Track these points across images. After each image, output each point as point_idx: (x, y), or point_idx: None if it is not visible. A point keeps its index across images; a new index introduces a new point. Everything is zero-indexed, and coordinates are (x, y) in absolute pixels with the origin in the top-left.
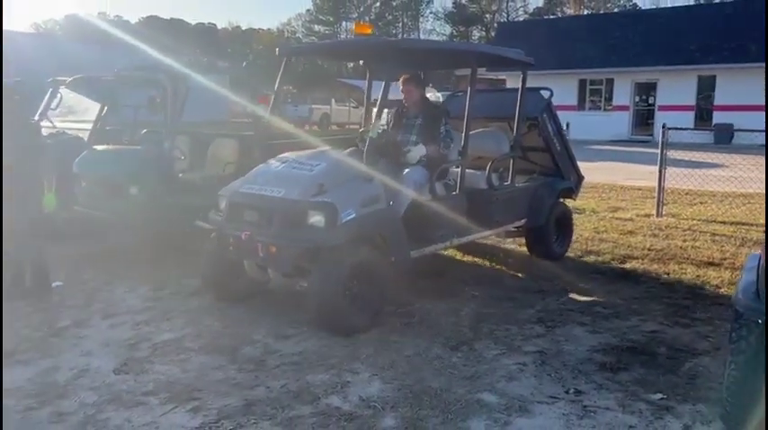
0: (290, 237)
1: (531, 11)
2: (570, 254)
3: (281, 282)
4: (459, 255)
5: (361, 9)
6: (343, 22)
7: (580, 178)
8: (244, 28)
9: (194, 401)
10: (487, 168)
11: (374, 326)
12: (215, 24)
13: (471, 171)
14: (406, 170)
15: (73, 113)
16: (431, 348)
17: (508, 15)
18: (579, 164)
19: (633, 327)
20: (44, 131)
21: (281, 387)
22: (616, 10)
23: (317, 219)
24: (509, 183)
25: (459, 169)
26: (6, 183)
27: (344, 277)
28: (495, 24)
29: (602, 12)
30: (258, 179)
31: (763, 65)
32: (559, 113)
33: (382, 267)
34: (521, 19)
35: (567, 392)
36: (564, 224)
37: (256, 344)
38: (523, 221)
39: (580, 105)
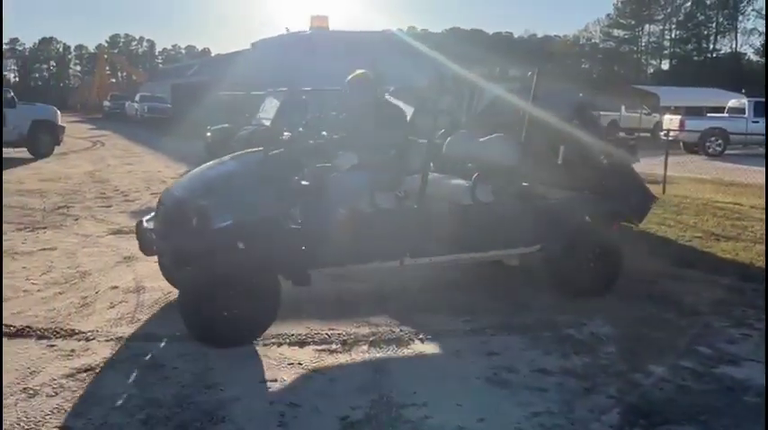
0: (167, 240)
1: None
2: None
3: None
4: (715, 249)
5: (669, 10)
6: (646, 25)
7: (647, 199)
8: (539, 35)
9: (468, 315)
10: (473, 180)
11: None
12: (511, 33)
13: (456, 182)
14: (335, 175)
15: None
16: (661, 313)
17: None
18: None
19: None
20: None
21: (533, 319)
22: None
23: (191, 222)
24: (513, 198)
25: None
26: None
27: (210, 287)
28: None
29: None
30: (184, 177)
31: None
32: None
33: (269, 282)
34: None
35: None
36: (604, 256)
37: (515, 293)
38: (537, 248)
39: None
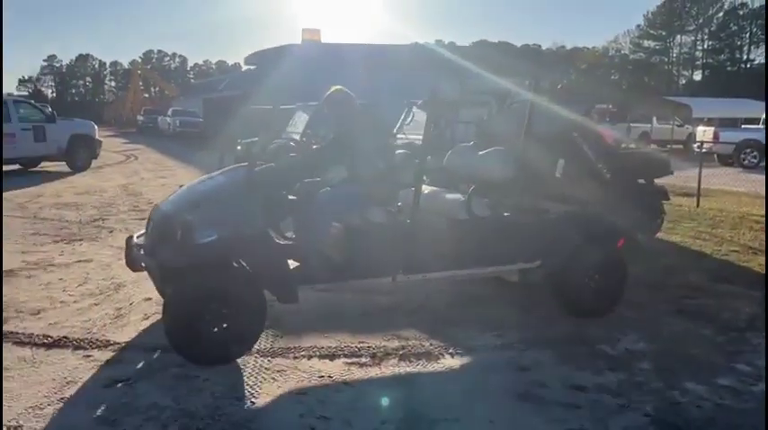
0: (153, 256)
1: None
2: None
3: None
4: (753, 263)
5: (701, 20)
6: (678, 36)
7: (655, 215)
8: (568, 47)
9: (497, 331)
10: (468, 194)
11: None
12: (539, 45)
13: (452, 196)
14: (325, 189)
15: (420, 128)
16: (698, 329)
17: None
18: None
19: None
20: (398, 142)
21: (564, 334)
22: None
23: (176, 236)
24: (511, 212)
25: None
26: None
27: (195, 303)
28: None
29: None
30: (176, 193)
31: None
32: None
33: (254, 298)
34: None
35: None
36: (607, 273)
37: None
38: (537, 263)
39: None
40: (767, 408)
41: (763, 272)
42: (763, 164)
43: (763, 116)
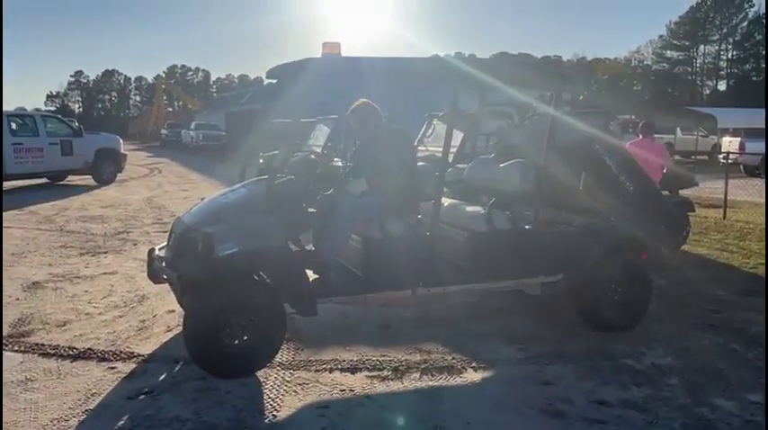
0: (174, 268)
1: None
2: None
3: None
4: None
5: (725, 30)
6: (701, 46)
7: (678, 227)
8: (589, 58)
9: (520, 345)
10: (488, 206)
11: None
12: (560, 56)
13: (472, 208)
14: (345, 200)
15: (441, 140)
16: (728, 343)
17: None
18: None
19: None
20: (419, 154)
21: (587, 346)
22: None
23: (197, 249)
24: (530, 225)
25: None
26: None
27: (215, 315)
28: None
29: None
30: (197, 205)
31: None
32: None
33: (274, 312)
34: None
35: None
36: (631, 286)
37: (568, 320)
38: (559, 277)
39: None
40: (767, 414)
41: None
42: None
43: None
